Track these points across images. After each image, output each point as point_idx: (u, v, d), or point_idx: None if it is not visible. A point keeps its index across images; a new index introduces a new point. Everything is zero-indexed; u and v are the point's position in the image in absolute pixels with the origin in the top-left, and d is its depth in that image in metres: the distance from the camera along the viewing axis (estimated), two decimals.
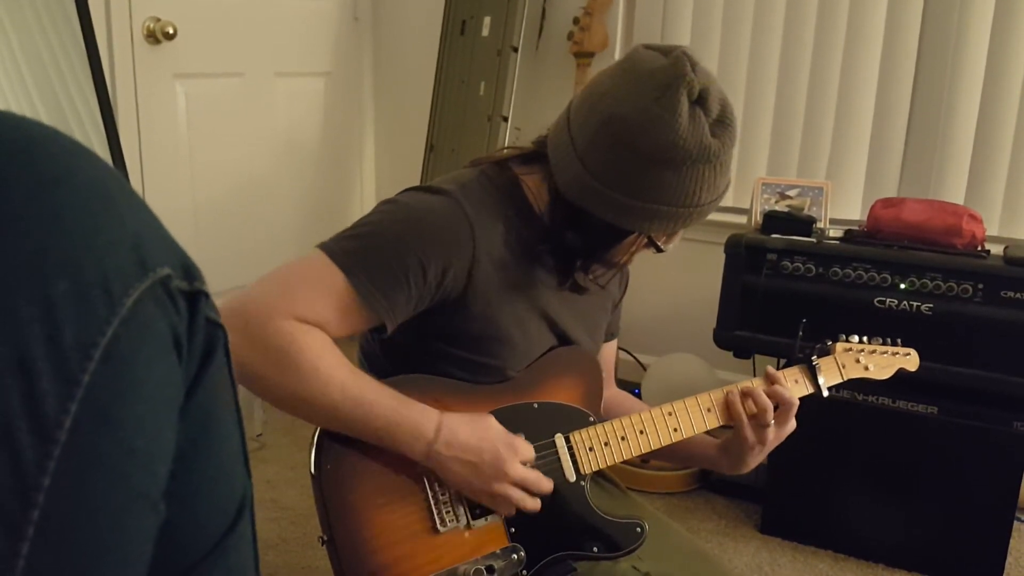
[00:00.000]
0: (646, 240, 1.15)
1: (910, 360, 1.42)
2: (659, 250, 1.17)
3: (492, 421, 1.14)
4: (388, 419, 1.07)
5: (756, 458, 1.27)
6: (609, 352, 1.43)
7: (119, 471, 0.40)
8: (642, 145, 1.05)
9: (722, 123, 1.07)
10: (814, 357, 1.34)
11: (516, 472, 1.11)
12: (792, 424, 1.25)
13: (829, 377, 1.34)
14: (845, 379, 1.36)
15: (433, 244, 1.08)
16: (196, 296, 0.45)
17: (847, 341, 1.38)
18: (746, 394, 1.24)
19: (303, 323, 1.05)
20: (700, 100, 1.05)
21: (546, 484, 1.14)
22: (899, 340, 1.42)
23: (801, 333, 1.76)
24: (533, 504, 1.14)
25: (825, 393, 1.32)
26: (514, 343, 1.19)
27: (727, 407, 1.25)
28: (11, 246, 0.37)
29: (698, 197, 1.08)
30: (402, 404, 1.08)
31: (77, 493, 0.38)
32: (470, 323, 1.15)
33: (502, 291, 1.16)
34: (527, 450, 1.15)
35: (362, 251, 1.08)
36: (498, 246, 1.14)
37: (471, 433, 1.10)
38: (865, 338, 1.39)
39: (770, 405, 1.22)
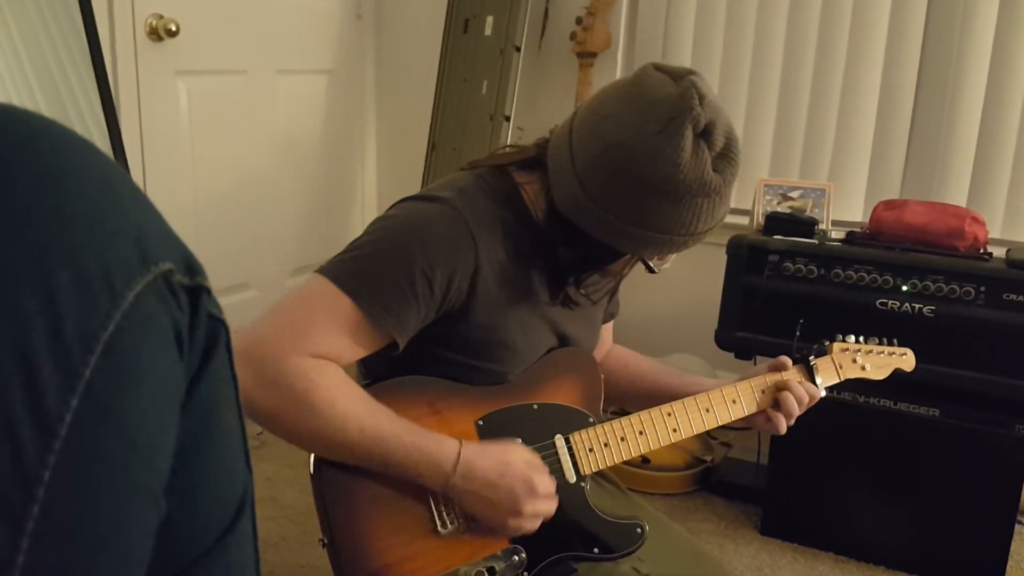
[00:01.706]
0: (638, 260, 1.16)
1: (906, 360, 1.42)
2: (651, 270, 1.17)
3: (515, 451, 1.12)
4: (407, 454, 1.06)
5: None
6: (607, 331, 1.45)
7: (120, 465, 0.40)
8: (642, 175, 1.04)
9: (725, 157, 1.06)
10: (811, 357, 1.35)
11: (531, 510, 1.11)
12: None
13: (826, 377, 1.34)
14: (842, 379, 1.37)
15: (436, 255, 1.07)
16: (198, 291, 0.45)
17: (844, 341, 1.39)
18: (782, 388, 1.30)
19: (316, 359, 1.03)
20: (705, 133, 1.04)
21: (554, 507, 1.15)
22: (895, 340, 1.42)
23: (798, 334, 1.76)
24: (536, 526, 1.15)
25: (823, 393, 1.33)
26: (517, 348, 1.19)
27: (733, 405, 1.29)
28: (13, 238, 0.37)
29: (695, 227, 1.08)
30: (420, 438, 1.07)
31: (78, 487, 0.38)
32: (473, 330, 1.14)
33: (504, 297, 1.15)
34: (546, 485, 1.13)
35: (365, 271, 1.07)
36: (499, 253, 1.13)
37: (490, 468, 1.09)
38: (861, 338, 1.40)
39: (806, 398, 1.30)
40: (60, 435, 0.37)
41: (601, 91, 1.13)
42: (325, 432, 1.03)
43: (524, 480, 1.10)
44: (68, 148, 0.41)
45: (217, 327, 0.46)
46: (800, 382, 1.31)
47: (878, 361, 1.40)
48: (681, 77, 1.06)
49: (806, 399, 1.29)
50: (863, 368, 1.39)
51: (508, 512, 1.10)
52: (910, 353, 1.43)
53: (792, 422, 1.30)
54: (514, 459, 1.11)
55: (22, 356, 0.36)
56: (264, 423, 1.04)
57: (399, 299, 1.06)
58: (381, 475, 1.09)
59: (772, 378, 1.32)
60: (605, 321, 1.41)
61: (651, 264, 1.17)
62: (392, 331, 1.06)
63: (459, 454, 1.08)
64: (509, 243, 1.15)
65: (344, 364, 1.07)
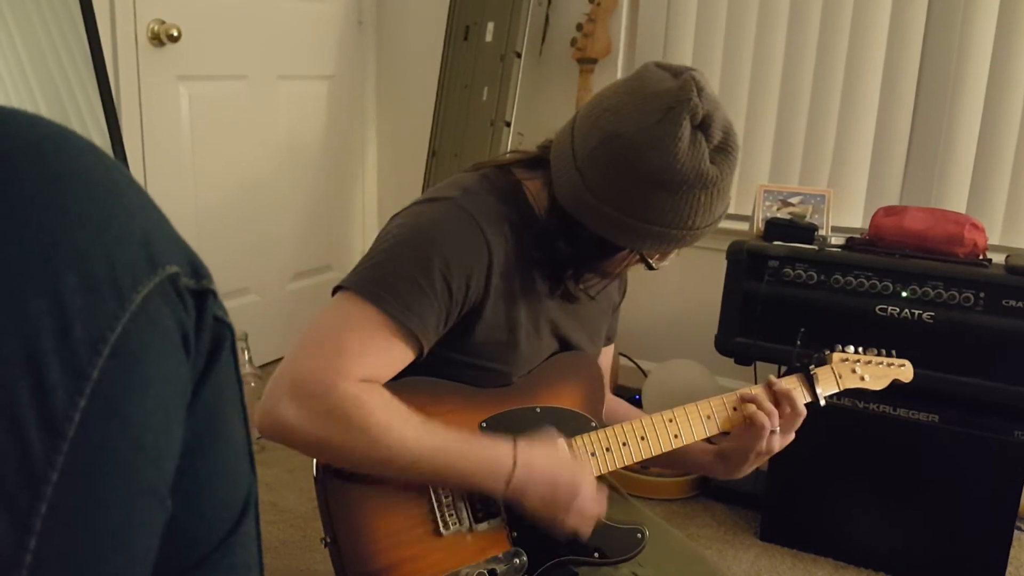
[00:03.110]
0: (637, 256, 1.15)
1: (904, 371, 1.43)
2: (650, 267, 1.17)
3: (561, 446, 1.15)
4: (466, 463, 1.07)
5: (753, 465, 1.28)
6: (607, 357, 1.44)
7: (127, 465, 0.40)
8: (640, 165, 1.04)
9: (723, 150, 1.07)
10: (811, 366, 1.35)
11: (589, 496, 1.13)
12: (792, 434, 1.27)
13: (826, 387, 1.35)
14: (842, 389, 1.37)
15: (451, 255, 1.08)
16: (204, 294, 0.45)
17: (843, 351, 1.39)
18: (752, 400, 1.25)
19: (361, 382, 1.04)
20: (703, 125, 1.05)
21: (603, 508, 1.17)
22: (894, 351, 1.43)
23: (799, 342, 1.76)
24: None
25: (823, 402, 1.33)
26: (520, 348, 1.19)
27: (734, 412, 1.26)
28: (21, 240, 0.38)
29: (692, 221, 1.08)
30: (476, 444, 1.09)
31: (85, 487, 0.38)
32: (480, 329, 1.14)
33: (509, 296, 1.16)
34: (593, 482, 1.16)
35: (386, 278, 1.07)
36: (506, 249, 1.14)
37: (547, 460, 1.12)
38: (860, 348, 1.40)
39: (775, 411, 1.24)
40: (67, 436, 0.38)
41: (602, 89, 1.14)
42: (386, 453, 1.04)
43: (575, 463, 1.14)
44: (74, 152, 0.42)
45: (222, 330, 0.47)
46: (779, 398, 1.27)
47: (877, 372, 1.40)
48: (680, 72, 1.07)
49: (772, 412, 1.24)
50: (862, 379, 1.39)
51: (571, 498, 1.11)
52: (908, 364, 1.43)
53: (774, 441, 1.25)
54: (559, 447, 1.15)
55: (30, 357, 0.37)
56: (319, 454, 1.06)
57: (420, 299, 1.06)
58: (384, 476, 1.09)
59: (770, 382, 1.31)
60: (604, 345, 1.40)
61: (650, 261, 1.17)
62: (416, 330, 1.06)
63: (515, 451, 1.10)
64: (514, 240, 1.15)
65: (385, 380, 1.08)
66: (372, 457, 1.05)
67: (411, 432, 1.05)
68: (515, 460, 1.09)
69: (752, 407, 1.24)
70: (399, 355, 1.08)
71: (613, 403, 1.43)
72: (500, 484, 1.09)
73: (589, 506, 1.13)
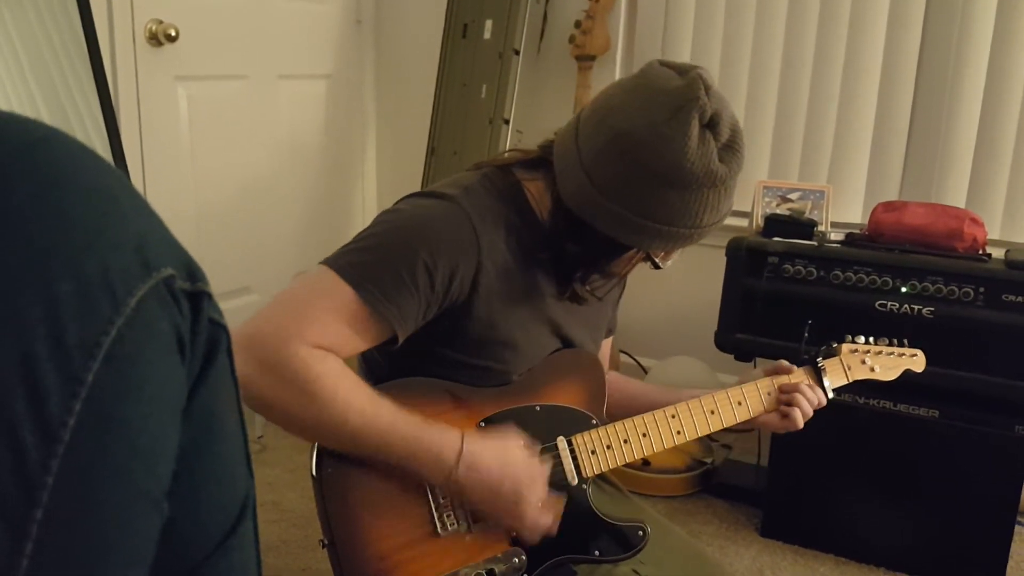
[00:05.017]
0: (644, 255, 1.15)
1: (916, 361, 1.41)
2: (656, 266, 1.17)
3: (515, 447, 1.13)
4: (408, 444, 1.06)
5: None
6: (605, 348, 1.44)
7: (123, 470, 0.40)
8: (649, 164, 1.04)
9: (731, 148, 1.07)
10: (820, 359, 1.34)
11: (534, 503, 1.11)
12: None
13: (835, 379, 1.34)
14: (851, 380, 1.36)
15: (439, 250, 1.08)
16: (199, 296, 0.45)
17: (853, 342, 1.37)
18: (795, 389, 1.30)
19: (318, 348, 1.04)
20: (711, 124, 1.05)
21: (551, 522, 1.15)
22: (905, 340, 1.42)
23: (807, 335, 1.76)
24: (536, 537, 1.14)
25: (830, 395, 1.33)
26: (518, 347, 1.19)
27: (768, 397, 1.31)
28: (16, 246, 0.38)
29: (700, 219, 1.08)
30: (422, 429, 1.07)
31: (81, 492, 0.38)
32: (474, 328, 1.14)
33: (505, 296, 1.16)
34: (544, 471, 1.14)
35: (369, 263, 1.07)
36: (501, 251, 1.14)
37: (493, 460, 1.10)
38: (871, 339, 1.39)
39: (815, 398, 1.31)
40: (63, 440, 0.38)
41: (606, 88, 1.13)
42: (325, 421, 1.03)
43: (527, 472, 1.11)
44: (68, 156, 0.42)
45: (218, 332, 0.47)
46: (809, 386, 1.31)
47: (888, 362, 1.39)
48: (687, 71, 1.07)
49: (815, 401, 1.30)
50: (872, 369, 1.37)
51: (513, 504, 1.10)
52: (920, 354, 1.42)
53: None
54: (515, 451, 1.12)
55: (25, 363, 0.37)
56: (264, 411, 1.04)
57: (400, 290, 1.06)
58: (382, 476, 1.09)
59: (779, 381, 1.31)
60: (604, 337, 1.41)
61: (656, 260, 1.17)
62: (392, 321, 1.06)
63: (461, 445, 1.08)
64: (512, 241, 1.15)
65: (344, 356, 1.07)
66: (313, 423, 1.04)
67: (355, 405, 1.04)
68: (458, 458, 1.07)
69: (800, 399, 1.29)
70: (364, 338, 1.07)
71: (624, 383, 1.43)
72: (439, 478, 1.08)
73: (532, 514, 1.12)
